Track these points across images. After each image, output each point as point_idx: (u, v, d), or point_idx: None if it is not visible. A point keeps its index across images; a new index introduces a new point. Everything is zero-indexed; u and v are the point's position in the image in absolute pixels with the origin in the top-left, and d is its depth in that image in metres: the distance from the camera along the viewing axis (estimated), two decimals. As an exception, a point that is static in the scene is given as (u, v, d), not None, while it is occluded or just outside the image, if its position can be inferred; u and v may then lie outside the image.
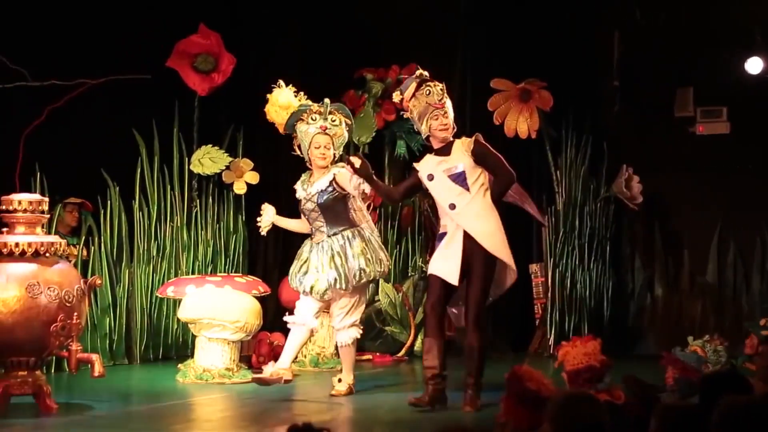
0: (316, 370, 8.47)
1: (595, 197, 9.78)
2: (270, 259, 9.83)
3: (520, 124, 9.47)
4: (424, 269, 9.68)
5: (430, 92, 6.64)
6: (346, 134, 7.21)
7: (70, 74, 8.64)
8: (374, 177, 6.70)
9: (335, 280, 6.93)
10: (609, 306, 9.74)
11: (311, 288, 7.00)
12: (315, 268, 7.00)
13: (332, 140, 7.08)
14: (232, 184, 9.31)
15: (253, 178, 9.33)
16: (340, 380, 7.14)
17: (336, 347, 7.49)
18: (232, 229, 9.38)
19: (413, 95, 6.68)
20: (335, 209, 7.01)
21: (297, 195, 7.16)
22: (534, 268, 9.74)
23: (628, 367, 6.54)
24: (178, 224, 9.09)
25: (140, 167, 8.95)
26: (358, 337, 7.20)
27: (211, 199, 9.26)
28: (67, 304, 6.20)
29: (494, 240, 6.57)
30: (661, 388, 6.23)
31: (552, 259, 9.62)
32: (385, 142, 10.04)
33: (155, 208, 9.00)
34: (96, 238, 8.56)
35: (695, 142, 9.72)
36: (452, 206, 6.53)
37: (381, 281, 9.51)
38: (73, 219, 8.72)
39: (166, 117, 9.12)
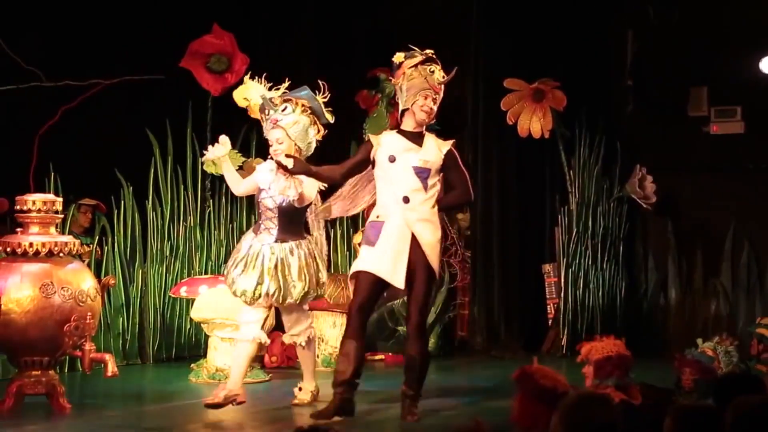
0: (329, 370, 8.44)
1: (608, 197, 9.76)
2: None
3: (534, 124, 9.45)
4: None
5: (433, 72, 6.34)
6: (304, 119, 6.57)
7: (84, 75, 8.66)
8: (312, 168, 6.27)
9: (274, 292, 6.49)
10: (622, 306, 9.72)
11: (243, 293, 6.56)
12: (253, 271, 6.52)
13: (286, 132, 6.53)
14: (245, 184, 9.30)
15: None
16: (301, 388, 6.80)
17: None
18: (245, 229, 9.35)
19: (416, 66, 6.33)
20: (292, 216, 6.55)
21: (258, 178, 6.68)
22: (547, 268, 9.74)
23: (641, 368, 6.51)
24: (192, 224, 9.10)
25: (154, 167, 8.97)
26: (312, 337, 6.80)
27: (224, 199, 9.26)
28: (81, 304, 6.21)
29: (436, 252, 6.26)
30: (675, 391, 6.20)
31: (565, 259, 9.60)
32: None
33: (168, 208, 9.01)
34: (109, 238, 8.58)
35: (709, 141, 9.69)
36: (406, 199, 6.18)
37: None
38: (87, 220, 8.74)
39: (179, 117, 9.12)
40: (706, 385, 6.07)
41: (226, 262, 9.14)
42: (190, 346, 8.98)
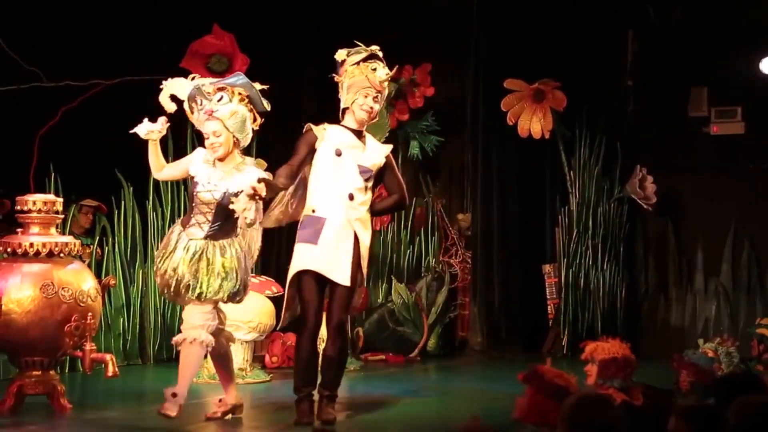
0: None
1: (608, 197, 9.76)
2: (283, 260, 9.77)
3: (534, 124, 9.46)
4: (437, 270, 9.71)
5: (375, 69, 6.07)
6: (242, 109, 6.00)
7: (84, 75, 8.65)
8: (279, 185, 5.98)
9: (192, 288, 5.95)
10: (622, 306, 9.72)
11: (171, 287, 5.99)
12: (178, 265, 5.96)
13: (223, 123, 5.95)
14: (245, 185, 9.29)
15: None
16: (221, 400, 6.34)
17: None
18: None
19: (357, 63, 6.08)
20: (230, 215, 5.91)
21: (194, 169, 6.08)
22: (547, 268, 9.74)
23: (641, 368, 6.51)
24: (192, 224, 9.08)
25: (154, 168, 8.95)
26: (209, 343, 6.04)
27: (224, 200, 9.25)
28: (81, 305, 6.21)
29: (367, 255, 6.09)
30: (674, 392, 6.20)
31: (565, 260, 9.61)
32: (398, 143, 10.02)
33: (169, 208, 8.99)
34: (110, 239, 8.57)
35: (709, 142, 9.69)
36: (351, 197, 6.01)
37: (394, 281, 9.52)
38: (87, 220, 8.73)
39: (179, 117, 9.10)
40: (703, 388, 6.08)
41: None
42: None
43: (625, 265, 9.78)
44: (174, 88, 6.17)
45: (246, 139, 6.08)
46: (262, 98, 6.10)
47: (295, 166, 6.04)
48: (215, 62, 9.11)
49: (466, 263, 9.86)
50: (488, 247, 9.79)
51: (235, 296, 6.04)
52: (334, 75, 6.18)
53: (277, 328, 7.21)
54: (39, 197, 6.38)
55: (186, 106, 6.18)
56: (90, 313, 6.22)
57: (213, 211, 5.95)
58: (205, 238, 5.96)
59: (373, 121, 6.22)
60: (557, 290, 9.64)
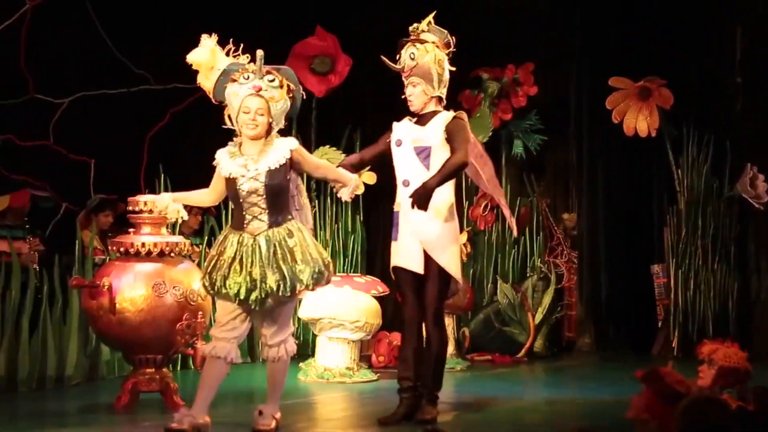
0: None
1: (718, 196, 9.58)
2: (388, 259, 9.83)
3: (640, 122, 9.34)
4: (543, 269, 9.63)
5: (399, 57, 6.02)
6: (287, 102, 5.61)
7: (192, 78, 8.76)
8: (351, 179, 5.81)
9: (278, 285, 5.47)
10: (734, 308, 9.52)
11: (237, 294, 5.49)
12: (248, 268, 5.47)
13: (268, 105, 5.57)
14: (349, 185, 9.34)
15: (370, 178, 9.33)
16: (261, 412, 5.77)
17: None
18: (350, 229, 9.43)
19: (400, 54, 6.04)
20: (282, 194, 5.57)
21: (226, 170, 5.65)
22: (656, 268, 9.61)
23: (754, 372, 6.38)
24: (297, 225, 9.16)
25: (259, 169, 9.04)
26: (295, 351, 5.85)
27: (329, 200, 9.32)
28: (192, 303, 6.28)
29: (445, 240, 5.89)
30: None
31: (674, 260, 9.46)
32: (501, 142, 9.99)
33: (274, 209, 9.08)
34: (218, 239, 8.68)
35: (822, 139, 9.46)
36: (406, 183, 5.89)
37: (500, 281, 9.47)
38: (196, 221, 8.86)
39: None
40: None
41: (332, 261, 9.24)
42: (299, 346, 9.01)
43: (737, 265, 9.58)
44: (214, 56, 5.92)
45: (275, 129, 5.64)
46: (298, 102, 5.77)
47: (364, 156, 6.15)
48: (318, 63, 9.18)
49: (572, 263, 9.78)
50: (594, 246, 9.70)
51: (320, 280, 5.56)
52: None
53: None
54: (149, 198, 6.48)
55: (212, 75, 5.89)
56: (200, 312, 6.29)
57: (264, 195, 5.53)
58: (271, 226, 5.53)
59: (416, 106, 5.99)
60: (666, 291, 9.50)
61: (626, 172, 9.79)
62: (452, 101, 9.78)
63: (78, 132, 8.60)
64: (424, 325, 5.97)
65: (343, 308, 7.78)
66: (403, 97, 6.05)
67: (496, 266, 9.77)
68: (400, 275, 5.98)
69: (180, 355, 7.15)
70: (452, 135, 5.89)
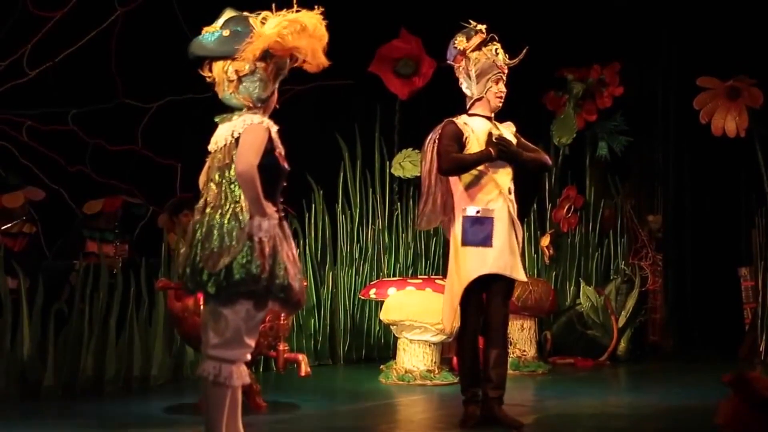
0: (516, 374, 8.40)
1: (808, 198, 9.41)
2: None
3: (729, 122, 9.20)
4: (627, 272, 9.54)
5: (497, 53, 5.78)
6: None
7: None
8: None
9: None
10: (825, 312, 9.33)
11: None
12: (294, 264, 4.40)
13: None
14: (432, 187, 9.35)
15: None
16: None
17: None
18: (432, 232, 9.44)
19: (479, 48, 5.77)
20: None
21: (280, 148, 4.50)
22: (743, 271, 9.47)
23: None
24: (380, 227, 9.22)
25: (343, 171, 9.13)
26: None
27: (411, 202, 9.35)
28: (274, 306, 6.34)
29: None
30: None
31: (762, 262, 9.32)
32: (586, 144, 9.92)
33: (357, 211, 9.15)
34: (300, 241, 8.76)
35: None
36: (510, 190, 5.74)
37: (582, 284, 9.39)
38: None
39: (368, 121, 9.26)
40: None
41: (413, 264, 9.28)
42: (380, 348, 9.09)
43: (829, 269, 9.39)
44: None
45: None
46: None
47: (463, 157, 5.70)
48: (403, 66, 9.21)
49: (656, 266, 9.66)
50: (680, 249, 9.60)
51: None
52: (449, 62, 5.84)
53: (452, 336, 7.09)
54: (233, 201, 6.52)
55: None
56: (283, 315, 6.35)
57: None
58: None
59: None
60: (754, 294, 9.34)
61: (713, 173, 9.66)
62: (536, 102, 9.83)
63: (165, 136, 8.74)
64: (492, 332, 5.76)
65: (425, 310, 7.78)
66: (477, 96, 5.76)
67: (579, 269, 9.70)
68: (489, 282, 5.70)
69: (262, 357, 7.21)
70: (525, 145, 5.81)
